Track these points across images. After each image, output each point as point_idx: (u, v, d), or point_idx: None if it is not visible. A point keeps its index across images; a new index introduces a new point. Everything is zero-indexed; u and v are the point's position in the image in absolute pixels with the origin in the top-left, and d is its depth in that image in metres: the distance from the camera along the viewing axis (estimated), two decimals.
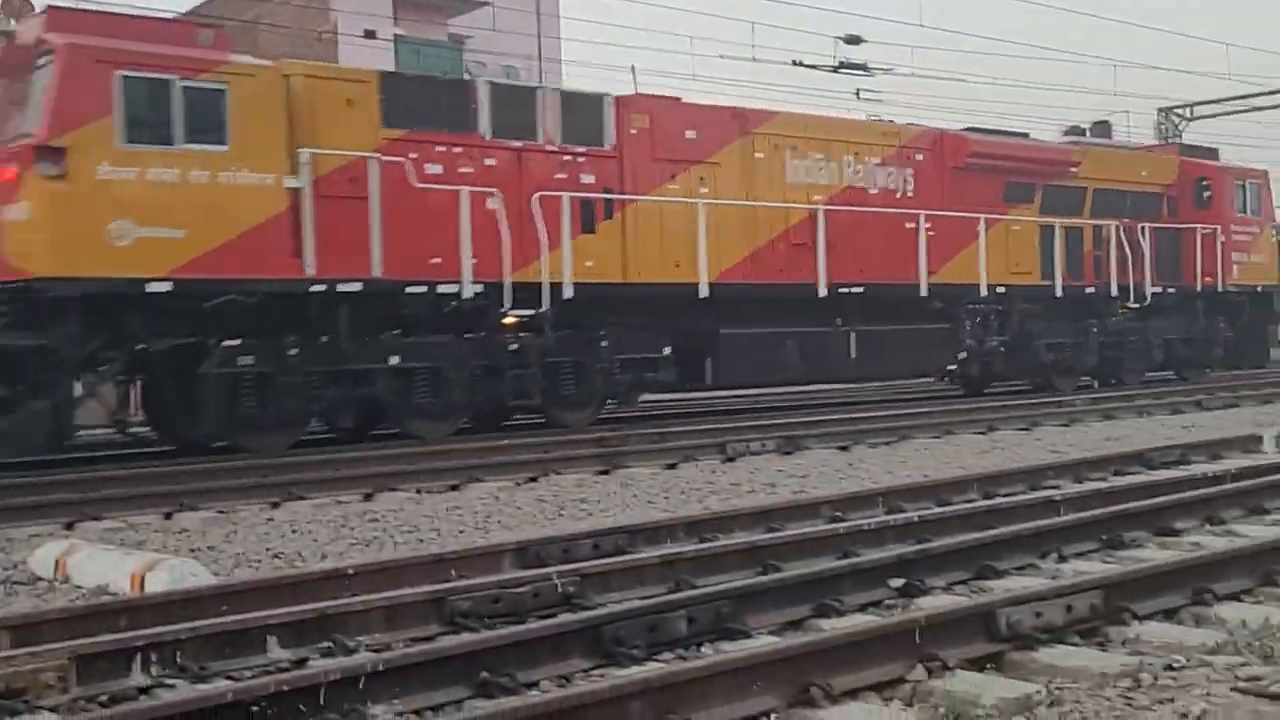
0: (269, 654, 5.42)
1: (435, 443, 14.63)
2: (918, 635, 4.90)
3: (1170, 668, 4.89)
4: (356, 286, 14.52)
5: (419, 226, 14.94)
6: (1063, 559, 7.14)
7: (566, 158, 16.42)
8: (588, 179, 16.53)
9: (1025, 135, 24.06)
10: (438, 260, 15.14)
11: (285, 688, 4.42)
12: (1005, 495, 9.50)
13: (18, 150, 12.99)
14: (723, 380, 18.32)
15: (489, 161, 15.72)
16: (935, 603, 6.00)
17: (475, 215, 15.26)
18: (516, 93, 16.36)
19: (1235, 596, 6.03)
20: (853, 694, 4.59)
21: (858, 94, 35.03)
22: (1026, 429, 15.81)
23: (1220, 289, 24.70)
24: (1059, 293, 21.95)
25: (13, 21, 14.71)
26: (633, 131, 16.99)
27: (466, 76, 16.62)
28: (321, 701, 4.46)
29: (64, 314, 12.95)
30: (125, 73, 13.24)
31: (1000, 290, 21.05)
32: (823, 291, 18.50)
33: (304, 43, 37.65)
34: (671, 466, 12.71)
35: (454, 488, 11.46)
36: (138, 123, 13.23)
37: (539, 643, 5.11)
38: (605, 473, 12.30)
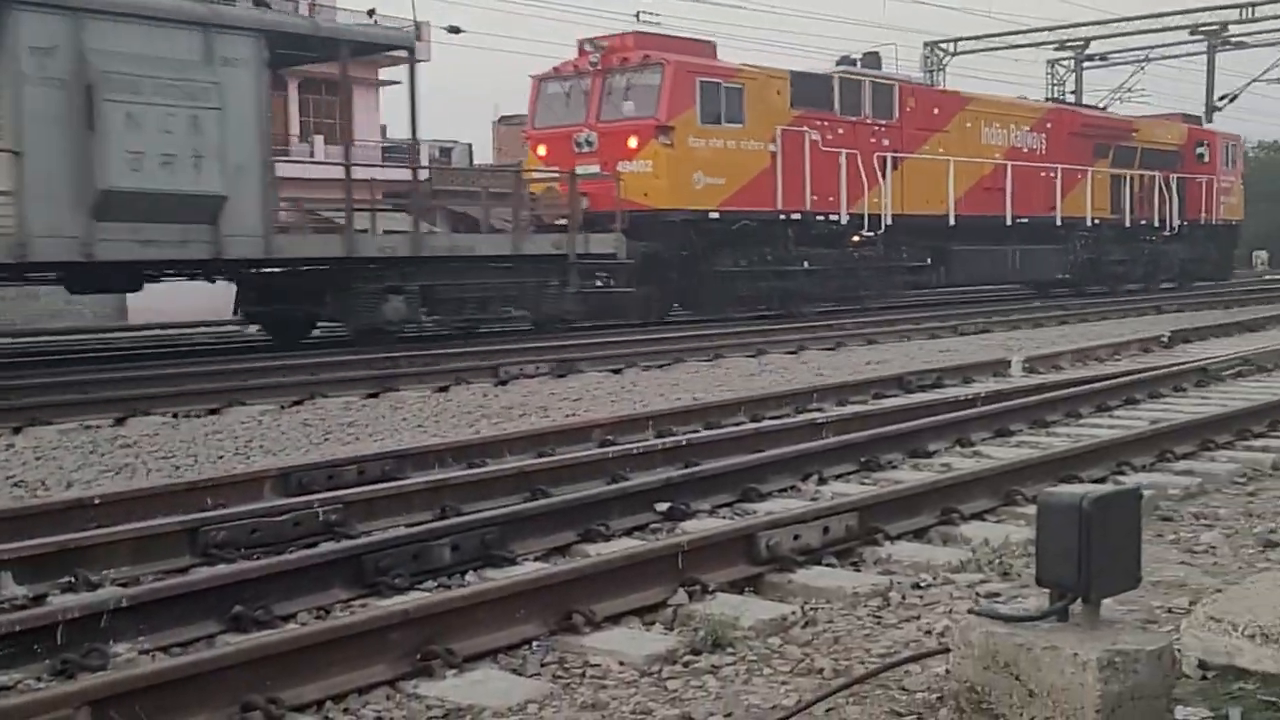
0: (3, 590, 5.11)
1: (809, 319, 20.92)
2: (680, 560, 4.96)
3: (918, 586, 5.10)
4: (797, 216, 22.20)
5: (818, 176, 22.29)
6: (823, 481, 7.35)
7: (876, 127, 23.81)
8: (885, 142, 23.96)
9: (1104, 109, 34.06)
10: (832, 198, 22.71)
11: (17, 627, 4.18)
12: (772, 418, 9.72)
13: (640, 126, 20.22)
14: (952, 281, 26.50)
15: (840, 131, 23.02)
16: (699, 526, 6.09)
17: (847, 168, 22.86)
18: (850, 82, 23.73)
19: (980, 516, 6.32)
20: (616, 619, 4.62)
21: (638, 16, 34.97)
22: (794, 353, 16.21)
23: (1213, 223, 34.22)
24: (1126, 224, 30.69)
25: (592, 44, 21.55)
26: (907, 109, 24.58)
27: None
28: (60, 640, 4.24)
29: (669, 231, 20.48)
30: (702, 79, 20.89)
31: (1095, 222, 29.57)
32: (1008, 221, 26.88)
33: None
34: (443, 390, 12.56)
35: (214, 411, 11.05)
36: (706, 111, 20.79)
37: (297, 574, 4.98)
38: (374, 396, 12.06)
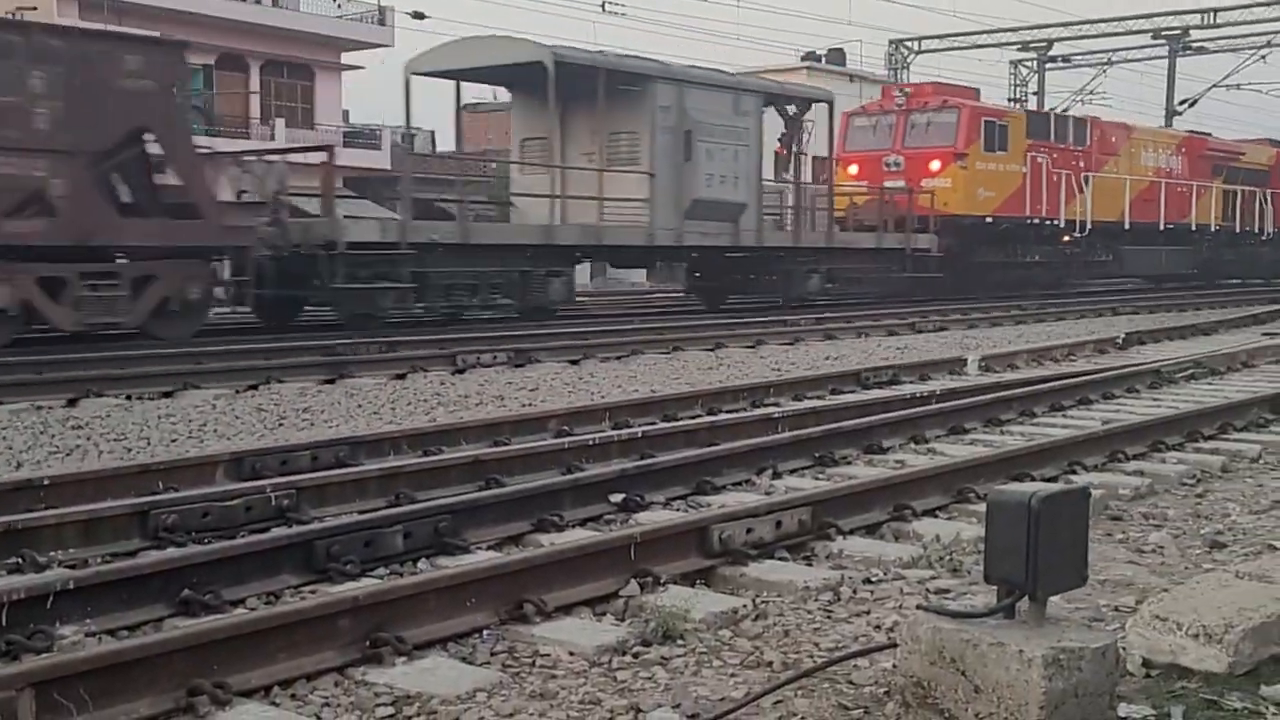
0: None
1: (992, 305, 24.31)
2: (633, 551, 4.97)
3: (869, 581, 5.13)
4: (1035, 221, 28.54)
5: (1047, 190, 28.51)
6: (777, 475, 7.37)
7: (1076, 152, 29.55)
8: (1081, 164, 29.73)
9: (1210, 135, 37.44)
10: (1052, 207, 28.80)
11: None
12: (728, 412, 9.74)
13: (942, 152, 26.50)
14: (1124, 273, 33.19)
15: (1055, 155, 28.83)
16: (652, 518, 6.10)
17: (1063, 184, 28.88)
18: (1061, 118, 30.72)
19: (932, 513, 6.36)
20: (567, 609, 4.62)
21: (603, 6, 34.91)
22: (752, 347, 16.26)
23: None
24: (1236, 230, 35.91)
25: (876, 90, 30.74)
26: (1095, 138, 30.51)
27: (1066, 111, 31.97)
28: (4, 622, 4.20)
29: (960, 231, 26.80)
30: (985, 118, 27.35)
31: (1215, 229, 35.06)
32: (1160, 227, 32.74)
33: None
34: (400, 377, 12.51)
35: (168, 394, 10.97)
36: (987, 142, 27.14)
37: (247, 559, 4.95)
38: (330, 382, 12.00)
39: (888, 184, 25.95)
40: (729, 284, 23.78)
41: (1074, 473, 7.41)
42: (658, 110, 20.62)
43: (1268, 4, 38.01)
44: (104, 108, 14.25)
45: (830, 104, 24.47)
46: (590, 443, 7.68)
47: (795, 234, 24.29)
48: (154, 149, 15.28)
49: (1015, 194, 27.73)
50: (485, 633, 4.38)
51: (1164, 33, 40.01)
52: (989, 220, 27.35)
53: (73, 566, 5.20)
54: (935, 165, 26.27)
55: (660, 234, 20.90)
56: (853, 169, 27.40)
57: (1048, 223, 28.94)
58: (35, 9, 30.01)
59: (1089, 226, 29.71)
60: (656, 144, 20.58)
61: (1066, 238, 29.75)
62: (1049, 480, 7.10)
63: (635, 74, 20.50)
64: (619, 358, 14.60)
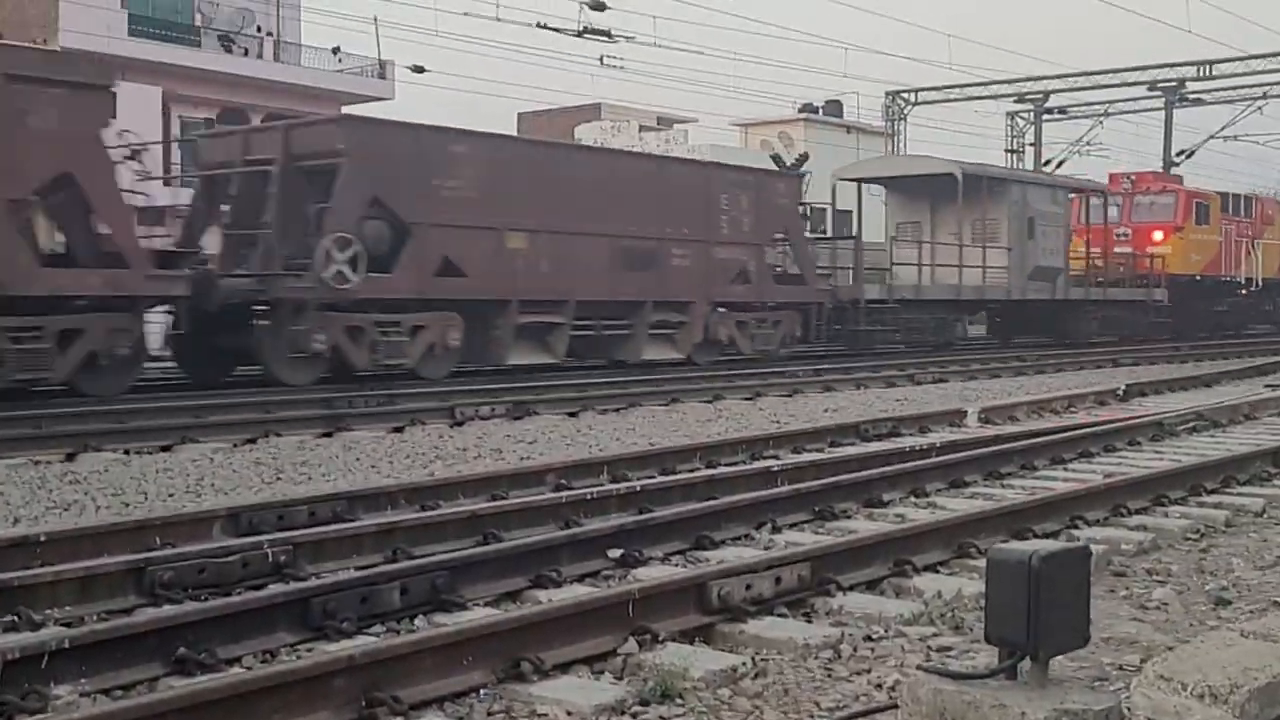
0: None
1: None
2: (631, 608, 4.93)
3: (870, 638, 5.09)
4: (1226, 279, 34.86)
5: (1233, 254, 34.83)
6: (777, 530, 7.34)
7: (1245, 222, 35.50)
8: (1249, 232, 35.58)
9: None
10: (1235, 268, 35.03)
11: None
12: (727, 465, 9.71)
13: (1164, 226, 32.55)
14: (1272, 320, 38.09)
15: (1234, 226, 34.71)
16: (651, 574, 6.06)
17: (1241, 249, 35.10)
18: (1239, 196, 36.17)
19: (933, 568, 6.32)
20: (565, 668, 4.58)
21: (601, 60, 35.22)
22: (751, 399, 16.24)
23: None
24: None
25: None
26: (1255, 212, 36.23)
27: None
28: None
29: (1177, 287, 32.55)
30: (1196, 200, 33.59)
31: None
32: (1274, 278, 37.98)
33: None
34: (398, 430, 12.49)
35: (166, 448, 10.94)
36: (1197, 217, 33.13)
37: (243, 616, 4.90)
38: (328, 435, 11.98)
39: (1116, 250, 32.38)
40: (1020, 326, 31.09)
41: (1076, 527, 7.37)
42: (1012, 203, 27.80)
43: (1264, 56, 38.32)
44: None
45: (1104, 194, 32.56)
46: (588, 497, 7.64)
47: (1084, 291, 30.72)
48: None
49: (1215, 258, 34.52)
50: (482, 692, 4.34)
51: (1160, 84, 40.28)
52: (1198, 278, 34.03)
53: (68, 624, 5.15)
54: (1159, 236, 32.91)
55: (1014, 291, 28.13)
56: (1076, 236, 32.73)
57: (1232, 279, 35.70)
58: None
59: (1258, 282, 36.29)
60: (1012, 227, 27.80)
61: (1244, 291, 36.30)
62: (1050, 535, 7.07)
63: (1001, 179, 28.57)
64: (617, 409, 14.59)
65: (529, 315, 18.61)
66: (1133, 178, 34.40)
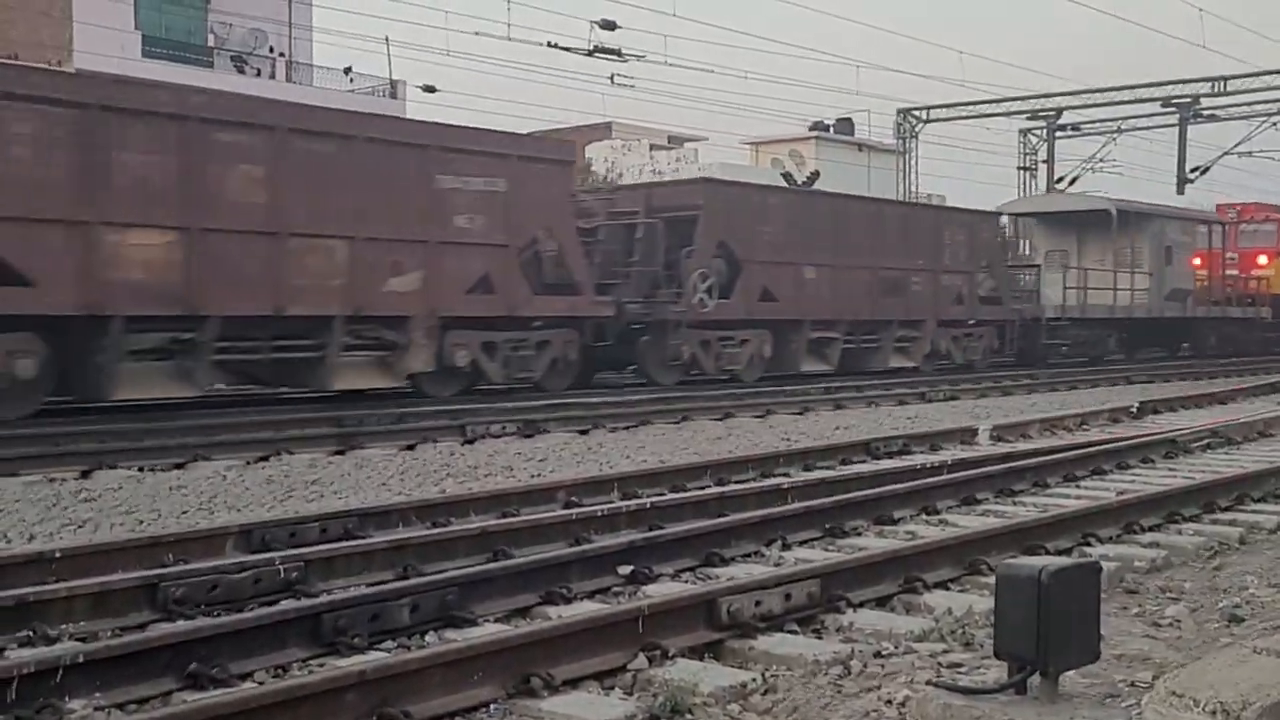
0: None
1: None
2: (641, 624, 4.94)
3: (879, 655, 5.08)
4: None
5: None
6: (787, 546, 7.34)
7: None
8: None
9: None
10: None
11: None
12: (737, 482, 9.71)
13: (1267, 250, 35.94)
14: None
15: None
16: (661, 590, 6.07)
17: None
18: None
19: (944, 585, 6.31)
20: (575, 683, 4.59)
21: (612, 79, 35.32)
22: (762, 416, 16.24)
23: None
24: None
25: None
26: None
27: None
28: (13, 696, 4.19)
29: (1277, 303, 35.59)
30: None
31: None
32: None
33: None
34: (410, 448, 12.51)
35: (179, 466, 10.97)
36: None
37: (255, 632, 4.93)
38: (340, 453, 12.00)
39: (1227, 273, 34.83)
40: (1147, 341, 33.65)
41: (1088, 544, 7.36)
42: (1153, 234, 31.04)
43: (1278, 72, 38.24)
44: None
45: (1222, 224, 35.04)
46: (598, 514, 7.66)
47: (1206, 309, 33.30)
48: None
49: None
50: (492, 707, 4.35)
51: (1174, 100, 40.17)
52: None
53: (83, 639, 5.18)
54: (1263, 260, 36.24)
55: (1153, 310, 31.19)
56: (1197, 260, 34.65)
57: None
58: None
59: None
60: (1153, 255, 31.03)
61: None
62: (1063, 552, 7.05)
63: (1146, 214, 31.31)
64: (627, 427, 14.59)
65: (816, 332, 22.84)
66: (1238, 208, 38.26)
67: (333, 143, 15.74)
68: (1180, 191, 40.53)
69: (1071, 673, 3.71)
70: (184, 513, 8.75)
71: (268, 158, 15.09)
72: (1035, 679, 3.42)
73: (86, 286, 13.55)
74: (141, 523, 8.37)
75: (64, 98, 13.71)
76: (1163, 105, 40.74)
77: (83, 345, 13.82)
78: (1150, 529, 7.88)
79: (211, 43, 39.67)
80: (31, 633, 5.21)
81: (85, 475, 10.37)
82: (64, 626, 5.32)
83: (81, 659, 4.41)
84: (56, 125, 13.50)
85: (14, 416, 12.98)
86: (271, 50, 40.53)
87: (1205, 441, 12.76)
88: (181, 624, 5.27)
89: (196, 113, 14.64)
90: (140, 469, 10.72)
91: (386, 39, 44.79)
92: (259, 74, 39.90)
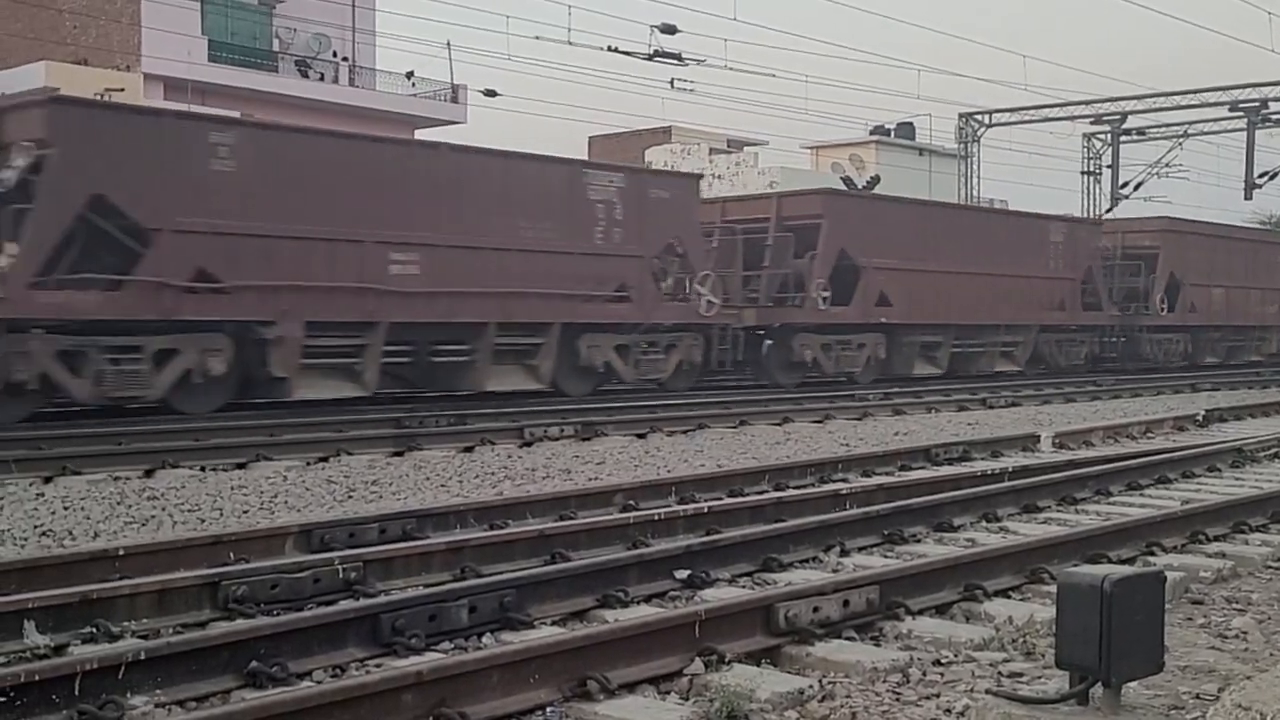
0: (25, 639, 5.12)
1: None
2: (697, 628, 4.92)
3: (939, 663, 5.03)
4: None
5: None
6: (845, 553, 7.29)
7: None
8: None
9: None
10: None
11: (36, 677, 4.18)
12: (795, 488, 9.66)
13: None
14: None
15: None
16: (717, 595, 6.05)
17: None
18: None
19: (1004, 593, 6.24)
20: (631, 687, 4.58)
21: (672, 83, 35.30)
22: (820, 422, 16.16)
23: None
24: None
25: None
26: None
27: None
28: (77, 691, 4.25)
29: None
30: None
31: None
32: None
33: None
34: (468, 450, 12.58)
35: (241, 466, 11.10)
36: None
37: (314, 631, 4.97)
38: (399, 454, 12.09)
39: None
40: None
41: (1152, 554, 7.25)
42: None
43: None
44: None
45: None
46: (656, 518, 7.65)
47: None
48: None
49: None
50: (549, 710, 4.35)
51: (1242, 104, 39.53)
52: None
53: (144, 636, 5.25)
54: None
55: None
56: None
57: None
58: (123, 90, 30.92)
59: None
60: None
61: None
62: (1126, 561, 6.95)
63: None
64: (685, 431, 14.58)
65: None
66: None
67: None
68: (1248, 197, 39.90)
69: (1134, 684, 3.65)
70: (245, 512, 8.85)
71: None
72: (1097, 690, 3.37)
73: (911, 307, 23.43)
74: (203, 521, 8.47)
75: None
76: (1230, 109, 40.11)
77: (900, 341, 23.39)
78: (1216, 539, 7.74)
79: (276, 47, 40.12)
80: (95, 629, 5.28)
81: (148, 474, 10.52)
82: (127, 623, 5.39)
83: (144, 656, 4.46)
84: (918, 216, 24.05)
85: (865, 381, 21.62)
86: (335, 55, 40.92)
87: (1273, 450, 12.54)
88: (242, 622, 5.32)
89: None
90: (203, 468, 10.85)
91: (448, 43, 45.04)
92: (322, 78, 40.32)
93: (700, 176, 23.00)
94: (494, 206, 17.28)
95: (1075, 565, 6.02)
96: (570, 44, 29.31)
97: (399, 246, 16.26)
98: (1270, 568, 7.13)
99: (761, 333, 21.86)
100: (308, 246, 15.41)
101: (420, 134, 43.55)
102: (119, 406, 14.36)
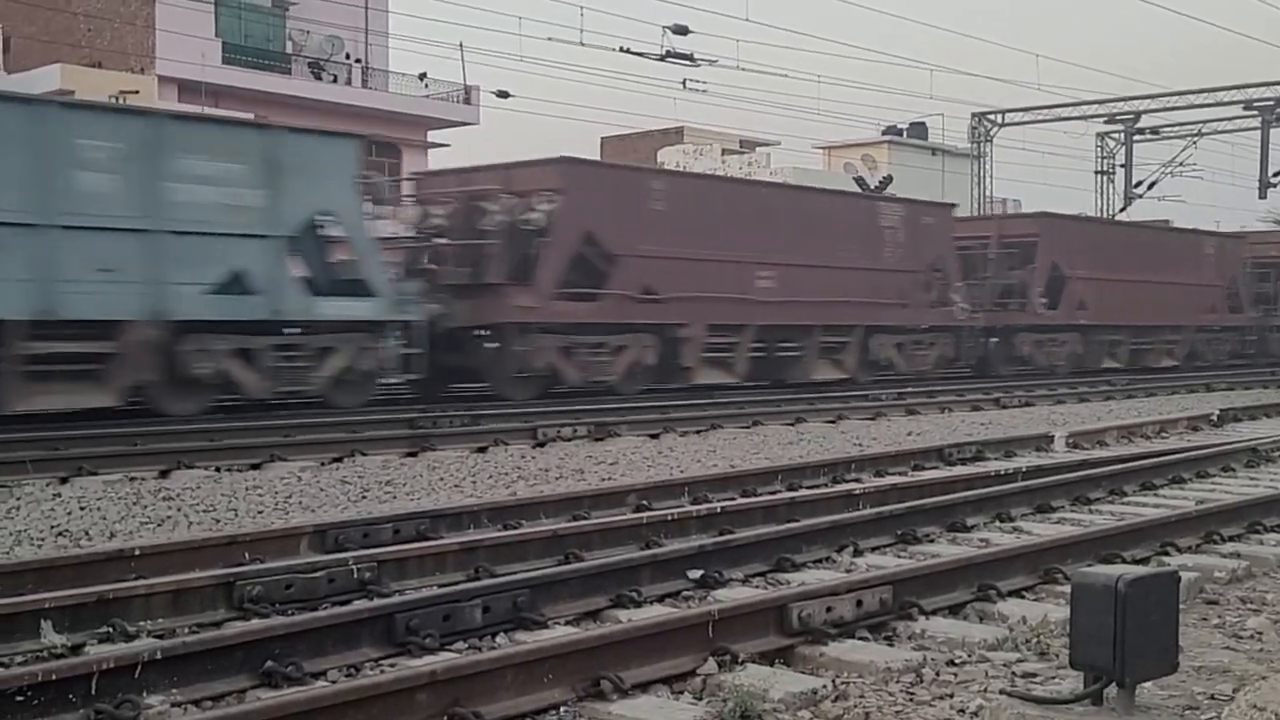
0: (42, 639, 5.15)
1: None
2: (711, 628, 4.93)
3: (952, 663, 5.03)
4: None
5: None
6: (858, 553, 7.29)
7: None
8: None
9: None
10: None
11: (53, 676, 4.21)
12: (808, 488, 9.66)
13: None
14: None
15: None
16: (731, 595, 6.06)
17: None
18: None
19: (1018, 593, 6.23)
20: (644, 687, 4.59)
21: (684, 84, 35.31)
22: (833, 422, 16.15)
23: None
24: None
25: None
26: None
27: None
28: (93, 691, 4.27)
29: None
30: None
31: None
32: None
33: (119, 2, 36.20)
34: (481, 450, 12.60)
35: (255, 466, 11.14)
36: None
37: (328, 631, 4.99)
38: (413, 455, 12.11)
39: None
40: None
41: (1166, 554, 7.23)
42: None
43: None
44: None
45: None
46: (669, 518, 7.65)
47: None
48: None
49: None
50: (562, 709, 4.36)
51: (1256, 103, 39.41)
52: None
53: (160, 636, 5.27)
54: None
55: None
56: None
57: None
58: (137, 92, 31.03)
59: None
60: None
61: None
62: (1140, 562, 6.93)
63: None
64: (698, 431, 14.58)
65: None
66: None
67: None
68: (1262, 196, 39.78)
69: (1149, 684, 3.65)
70: (260, 512, 8.88)
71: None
72: (1112, 690, 3.37)
73: (1102, 309, 27.98)
74: (219, 522, 8.50)
75: None
76: (1244, 108, 40.00)
77: (1097, 340, 28.20)
78: (1231, 539, 7.72)
79: (289, 49, 40.22)
80: (111, 629, 5.30)
81: (164, 475, 10.56)
82: (143, 623, 5.42)
83: (159, 655, 4.48)
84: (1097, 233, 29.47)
85: (1064, 375, 26.17)
86: (348, 56, 41.02)
87: None
88: (257, 622, 5.34)
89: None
90: (217, 469, 10.89)
91: (461, 45, 45.11)
92: (335, 80, 40.41)
93: (955, 205, 27.39)
94: (822, 233, 22.02)
95: (1089, 565, 6.02)
96: (582, 45, 29.46)
97: (763, 266, 20.94)
98: None
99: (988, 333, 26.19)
100: (710, 266, 19.95)
101: (432, 135, 43.71)
102: (587, 389, 18.39)
